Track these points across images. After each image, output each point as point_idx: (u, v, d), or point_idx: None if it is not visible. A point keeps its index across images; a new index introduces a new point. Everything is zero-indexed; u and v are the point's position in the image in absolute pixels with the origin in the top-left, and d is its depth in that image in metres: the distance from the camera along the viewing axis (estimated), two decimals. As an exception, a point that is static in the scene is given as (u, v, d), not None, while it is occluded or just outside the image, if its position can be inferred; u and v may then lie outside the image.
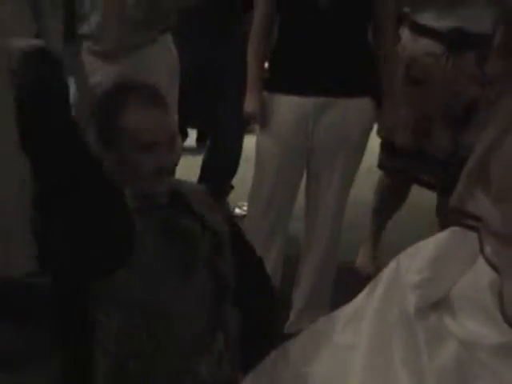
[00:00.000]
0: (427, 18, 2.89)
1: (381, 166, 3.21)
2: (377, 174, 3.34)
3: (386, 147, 3.12)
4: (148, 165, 1.62)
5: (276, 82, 2.62)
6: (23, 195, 1.50)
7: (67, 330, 1.52)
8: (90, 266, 1.36)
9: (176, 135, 1.72)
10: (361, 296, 1.70)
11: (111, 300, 1.57)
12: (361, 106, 2.60)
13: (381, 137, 3.05)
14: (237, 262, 1.75)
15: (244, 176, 3.49)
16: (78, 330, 1.57)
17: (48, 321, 1.51)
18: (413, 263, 1.59)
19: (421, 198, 3.52)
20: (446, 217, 1.65)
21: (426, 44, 2.92)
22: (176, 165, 1.73)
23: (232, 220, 1.88)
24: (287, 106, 2.57)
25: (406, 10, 2.95)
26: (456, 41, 2.85)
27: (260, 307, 1.82)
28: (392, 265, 1.65)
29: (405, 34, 2.97)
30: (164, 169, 1.65)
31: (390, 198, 3.32)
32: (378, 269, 1.74)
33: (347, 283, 2.62)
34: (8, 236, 1.51)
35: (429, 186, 3.16)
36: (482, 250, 1.47)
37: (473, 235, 1.49)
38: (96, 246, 1.32)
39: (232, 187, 3.99)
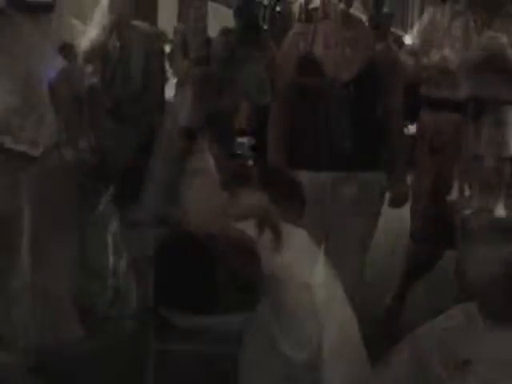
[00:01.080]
0: (443, 91, 3.16)
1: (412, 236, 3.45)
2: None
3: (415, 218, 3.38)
4: None
5: (296, 159, 2.81)
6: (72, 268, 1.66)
7: None
8: None
9: None
10: None
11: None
12: (376, 178, 2.82)
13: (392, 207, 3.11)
14: None
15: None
16: None
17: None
18: None
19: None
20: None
21: (445, 116, 3.21)
22: None
23: None
24: (306, 181, 2.59)
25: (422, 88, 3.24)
26: (473, 108, 3.03)
27: None
28: None
29: (425, 113, 3.27)
30: None
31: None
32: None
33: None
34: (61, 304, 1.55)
35: None
36: None
37: None
38: None
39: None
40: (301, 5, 3.10)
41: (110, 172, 2.81)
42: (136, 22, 3.82)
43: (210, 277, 2.22)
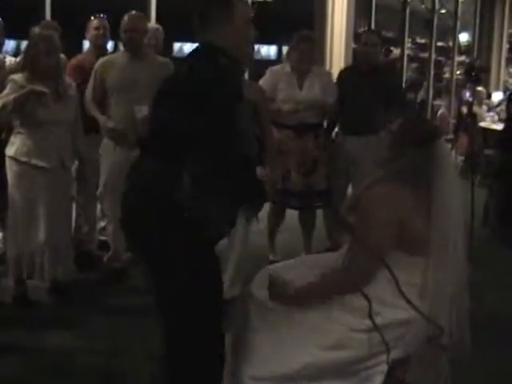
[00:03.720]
0: (285, 120, 5.24)
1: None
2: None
3: None
4: None
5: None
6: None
7: None
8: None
9: None
10: None
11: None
12: None
13: None
14: None
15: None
16: None
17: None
18: None
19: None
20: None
21: (285, 132, 5.23)
22: None
23: None
24: None
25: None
26: (300, 129, 5.24)
27: None
28: None
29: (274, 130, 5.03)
30: None
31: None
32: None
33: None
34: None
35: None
36: None
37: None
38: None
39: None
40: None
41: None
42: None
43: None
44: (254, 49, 6.00)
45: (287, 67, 5.32)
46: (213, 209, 2.57)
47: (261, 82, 5.26)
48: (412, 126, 2.70)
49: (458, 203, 2.68)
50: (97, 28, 5.40)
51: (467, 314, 2.65)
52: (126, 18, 4.89)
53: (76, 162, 5.02)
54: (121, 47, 5.15)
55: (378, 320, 2.52)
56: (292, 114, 5.17)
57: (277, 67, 5.40)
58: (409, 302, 2.55)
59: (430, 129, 2.77)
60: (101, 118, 4.79)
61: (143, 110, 4.34)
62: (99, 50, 5.37)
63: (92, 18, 5.44)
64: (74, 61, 5.35)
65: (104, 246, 5.30)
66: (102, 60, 4.94)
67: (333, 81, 5.53)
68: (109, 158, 4.85)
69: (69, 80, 4.63)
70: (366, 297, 2.52)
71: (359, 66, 5.67)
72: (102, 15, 5.48)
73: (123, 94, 4.73)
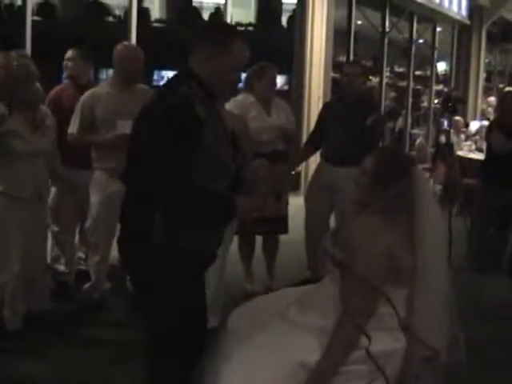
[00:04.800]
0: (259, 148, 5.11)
1: None
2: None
3: None
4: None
5: None
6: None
7: None
8: None
9: None
10: None
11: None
12: None
13: None
14: None
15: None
16: None
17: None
18: None
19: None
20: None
21: (259, 160, 5.02)
22: None
23: None
24: None
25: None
26: (273, 156, 5.27)
27: None
28: None
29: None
30: None
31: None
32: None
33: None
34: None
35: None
36: None
37: None
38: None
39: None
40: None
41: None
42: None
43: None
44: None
45: (250, 97, 5.36)
46: (192, 240, 2.60)
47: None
48: (387, 160, 2.72)
49: (439, 228, 2.71)
50: (69, 59, 5.38)
51: (460, 334, 2.68)
52: (120, 47, 4.91)
53: (52, 191, 4.99)
54: (102, 76, 5.16)
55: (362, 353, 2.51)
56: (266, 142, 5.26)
57: (239, 98, 5.40)
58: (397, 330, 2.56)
59: (405, 157, 2.80)
60: (101, 137, 4.78)
61: (126, 126, 4.24)
62: (74, 80, 5.36)
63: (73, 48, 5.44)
64: (53, 93, 5.34)
65: (82, 275, 5.25)
66: (88, 94, 4.90)
67: (289, 108, 5.69)
68: (101, 190, 4.83)
69: (45, 109, 4.62)
70: (367, 335, 2.49)
71: (341, 97, 5.80)
72: (82, 47, 5.47)
73: (113, 124, 4.72)
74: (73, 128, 4.84)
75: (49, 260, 5.14)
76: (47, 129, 4.46)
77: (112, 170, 4.51)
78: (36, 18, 7.19)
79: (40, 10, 8.66)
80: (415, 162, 2.75)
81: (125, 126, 4.31)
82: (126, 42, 4.98)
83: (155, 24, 10.32)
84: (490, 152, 6.62)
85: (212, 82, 2.69)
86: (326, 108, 5.89)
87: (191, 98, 2.59)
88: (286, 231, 5.51)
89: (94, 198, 4.89)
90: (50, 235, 5.10)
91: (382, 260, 2.52)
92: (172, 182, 2.53)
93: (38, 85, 4.54)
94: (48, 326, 4.56)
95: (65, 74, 5.51)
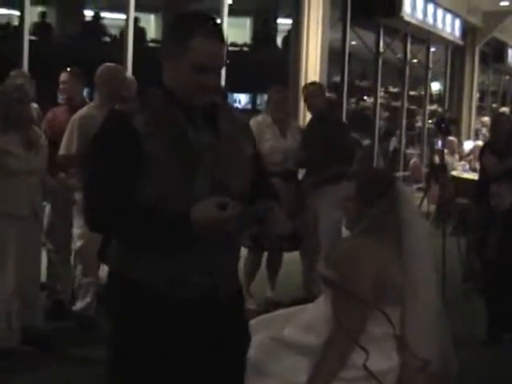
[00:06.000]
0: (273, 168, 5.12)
1: None
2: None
3: None
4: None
5: None
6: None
7: None
8: None
9: None
10: None
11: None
12: None
13: None
14: None
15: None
16: None
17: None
18: None
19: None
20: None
21: (274, 180, 4.51)
22: None
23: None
24: None
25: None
26: (285, 175, 5.43)
27: None
28: None
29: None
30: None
31: None
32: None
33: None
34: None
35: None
36: None
37: None
38: None
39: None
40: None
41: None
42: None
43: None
44: (226, 96, 6.10)
45: (268, 119, 5.57)
46: (143, 269, 2.27)
47: None
48: (368, 181, 2.74)
49: (426, 241, 2.72)
50: (63, 82, 5.43)
51: (450, 340, 2.70)
52: (100, 68, 4.95)
53: (47, 208, 4.99)
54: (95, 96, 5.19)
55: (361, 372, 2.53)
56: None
57: (259, 118, 5.62)
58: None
59: (385, 175, 2.84)
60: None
61: None
62: (69, 102, 5.37)
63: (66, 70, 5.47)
64: (50, 114, 5.37)
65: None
66: (81, 114, 4.89)
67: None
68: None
69: (39, 130, 4.65)
70: (364, 349, 2.51)
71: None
72: (74, 68, 5.50)
73: None
74: (68, 149, 4.82)
75: (44, 278, 5.14)
76: (41, 148, 4.48)
77: None
78: (32, 37, 7.21)
79: (36, 29, 8.70)
80: (395, 179, 2.78)
81: None
82: (107, 64, 5.01)
83: (151, 44, 10.36)
84: (483, 173, 6.65)
85: (173, 87, 2.30)
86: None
87: (126, 112, 2.28)
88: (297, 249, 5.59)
89: (80, 221, 4.75)
90: (44, 253, 5.11)
91: (373, 277, 2.54)
92: (107, 201, 2.22)
93: (34, 105, 4.58)
94: (41, 344, 4.56)
95: (61, 98, 5.56)
